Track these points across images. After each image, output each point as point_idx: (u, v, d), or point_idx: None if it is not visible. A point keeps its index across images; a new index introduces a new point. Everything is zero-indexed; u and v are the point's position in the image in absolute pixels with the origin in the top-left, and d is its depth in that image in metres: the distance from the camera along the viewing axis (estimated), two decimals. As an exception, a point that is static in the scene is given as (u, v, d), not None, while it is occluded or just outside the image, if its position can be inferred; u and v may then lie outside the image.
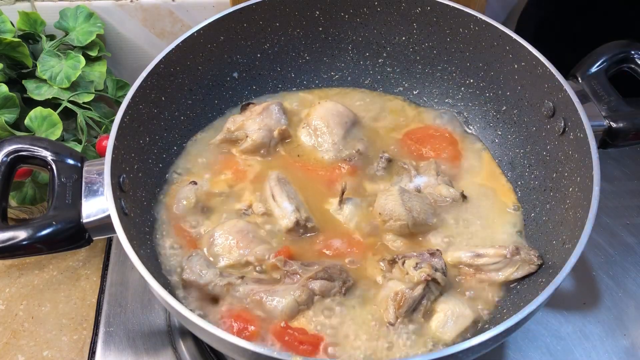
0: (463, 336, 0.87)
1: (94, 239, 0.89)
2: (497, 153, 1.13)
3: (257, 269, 0.94)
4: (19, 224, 0.86)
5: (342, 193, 1.01)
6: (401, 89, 1.23)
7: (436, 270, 0.88)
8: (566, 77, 0.98)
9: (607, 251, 1.19)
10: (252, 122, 1.10)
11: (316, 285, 0.89)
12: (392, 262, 0.93)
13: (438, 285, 0.88)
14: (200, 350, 1.04)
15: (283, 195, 1.01)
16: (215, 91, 1.16)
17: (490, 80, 1.12)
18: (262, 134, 1.09)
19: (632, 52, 1.05)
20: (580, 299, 1.12)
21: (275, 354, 0.70)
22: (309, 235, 0.99)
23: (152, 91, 1.02)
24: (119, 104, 0.96)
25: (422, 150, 1.12)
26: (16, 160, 0.91)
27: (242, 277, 0.92)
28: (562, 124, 0.97)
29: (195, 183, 1.05)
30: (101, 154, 1.16)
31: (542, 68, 0.98)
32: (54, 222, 0.85)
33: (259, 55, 1.18)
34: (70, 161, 0.91)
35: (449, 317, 0.87)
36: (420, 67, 1.19)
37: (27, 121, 1.11)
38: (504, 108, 1.11)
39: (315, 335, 0.87)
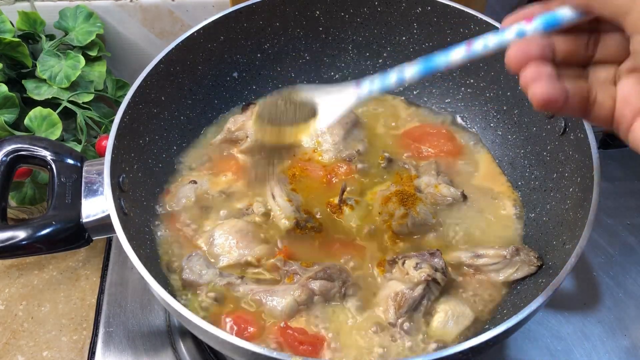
0: (463, 336, 0.87)
1: (93, 239, 0.89)
2: (498, 153, 1.13)
3: (257, 269, 0.94)
4: (19, 223, 0.86)
5: (342, 193, 1.01)
6: (401, 88, 1.23)
7: (436, 270, 0.88)
8: (566, 77, 0.98)
9: (607, 251, 1.18)
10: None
11: (316, 285, 0.89)
12: (392, 262, 0.93)
13: (438, 285, 0.88)
14: (200, 351, 1.04)
15: (283, 195, 1.00)
16: (215, 91, 1.16)
17: (490, 81, 1.12)
18: (262, 134, 1.09)
19: (633, 52, 1.05)
20: (580, 299, 1.12)
21: (275, 354, 0.70)
22: (308, 235, 0.99)
23: (152, 91, 1.02)
24: (118, 104, 0.96)
25: (421, 148, 1.12)
26: (16, 160, 0.90)
27: (242, 277, 0.92)
28: (563, 124, 0.97)
29: (195, 182, 1.05)
30: (101, 154, 1.16)
31: (543, 68, 0.98)
32: (53, 222, 0.85)
33: (259, 55, 1.18)
34: (70, 161, 0.91)
35: (449, 317, 0.87)
36: (420, 67, 1.19)
37: (26, 121, 1.11)
38: (505, 108, 1.11)
39: (315, 335, 0.87)
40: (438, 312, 0.88)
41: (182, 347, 1.05)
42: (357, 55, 1.22)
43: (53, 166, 0.90)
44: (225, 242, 0.96)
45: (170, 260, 0.97)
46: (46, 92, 1.17)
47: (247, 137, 1.10)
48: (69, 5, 1.26)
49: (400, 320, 0.87)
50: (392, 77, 0.71)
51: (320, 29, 1.18)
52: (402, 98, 1.22)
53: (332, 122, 0.79)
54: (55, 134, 1.12)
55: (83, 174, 0.90)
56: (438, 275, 0.88)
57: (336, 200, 1.02)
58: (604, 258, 1.18)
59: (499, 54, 1.07)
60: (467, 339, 0.73)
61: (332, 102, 0.78)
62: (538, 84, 0.57)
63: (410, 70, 0.69)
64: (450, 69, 0.68)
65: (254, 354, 0.71)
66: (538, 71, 0.58)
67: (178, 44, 1.04)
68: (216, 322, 0.88)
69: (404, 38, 1.17)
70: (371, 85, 0.74)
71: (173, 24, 1.33)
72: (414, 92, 1.22)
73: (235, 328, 0.87)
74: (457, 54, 0.65)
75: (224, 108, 1.18)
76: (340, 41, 1.20)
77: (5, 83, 1.12)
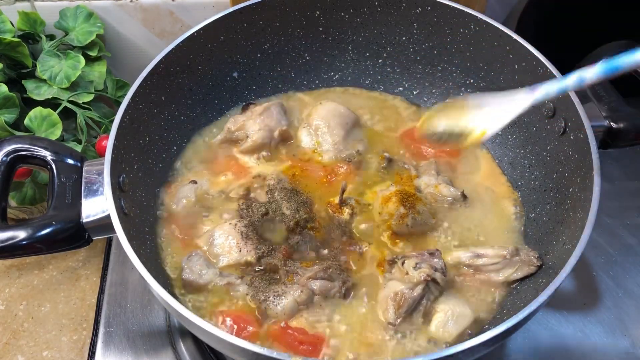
0: (463, 336, 0.87)
1: (93, 239, 0.89)
2: (498, 153, 1.13)
3: (257, 269, 0.94)
4: (19, 223, 0.86)
5: (342, 193, 1.01)
6: (401, 89, 1.23)
7: (436, 270, 0.88)
8: (566, 77, 0.98)
9: (607, 251, 1.18)
10: (253, 122, 1.10)
11: (316, 285, 0.89)
12: (392, 262, 0.93)
13: (437, 285, 0.88)
14: (200, 350, 1.04)
15: (283, 196, 1.00)
16: (215, 91, 1.16)
17: (490, 81, 1.12)
18: (263, 135, 1.09)
19: (633, 53, 1.05)
20: (580, 299, 1.12)
21: (275, 354, 0.70)
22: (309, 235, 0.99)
23: (152, 91, 1.02)
24: (118, 104, 0.96)
25: (421, 148, 1.12)
26: (16, 160, 0.90)
27: (241, 277, 0.92)
28: (563, 124, 0.97)
29: (195, 182, 1.05)
30: (101, 154, 1.16)
31: (543, 68, 0.98)
32: (53, 222, 0.85)
33: (259, 55, 1.18)
34: (70, 161, 0.91)
35: (449, 317, 0.87)
36: (420, 67, 1.19)
37: (26, 121, 1.11)
38: (504, 108, 1.11)
39: (315, 335, 0.87)
40: (438, 312, 0.88)
41: (182, 347, 1.05)
42: (357, 55, 1.22)
43: (53, 166, 0.90)
44: (225, 242, 0.96)
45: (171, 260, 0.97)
46: (46, 92, 1.17)
47: (247, 137, 1.10)
48: (69, 5, 1.26)
49: (399, 320, 0.87)
50: (571, 79, 0.69)
51: (320, 29, 1.18)
52: (402, 98, 1.22)
53: (504, 126, 0.77)
54: (55, 134, 1.12)
55: (83, 174, 0.90)
56: (437, 275, 0.88)
57: (336, 200, 1.02)
58: (604, 258, 1.18)
59: (497, 53, 1.07)
60: (467, 339, 0.73)
61: (504, 106, 0.78)
62: None
63: (592, 72, 0.67)
64: (633, 69, 0.66)
65: (254, 354, 0.71)
66: None
67: (178, 44, 1.04)
68: (216, 322, 0.88)
69: (404, 38, 1.17)
70: (547, 88, 0.73)
71: (173, 24, 1.33)
72: (414, 92, 1.22)
73: (235, 328, 0.87)
74: None
75: (224, 108, 1.18)
76: (340, 41, 1.20)
77: (5, 83, 1.12)
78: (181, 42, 1.04)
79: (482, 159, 1.13)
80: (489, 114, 0.79)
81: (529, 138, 1.07)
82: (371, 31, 1.18)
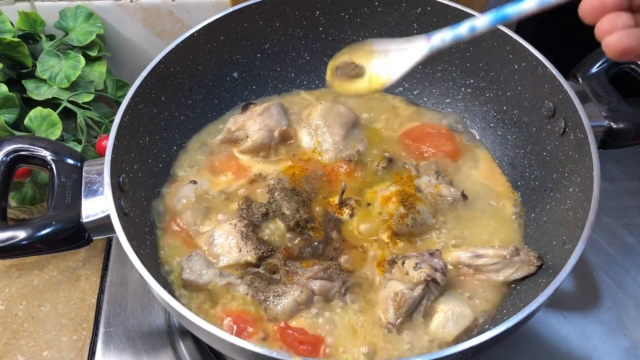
0: (463, 336, 0.87)
1: (93, 239, 0.89)
2: (498, 153, 1.13)
3: (257, 268, 0.94)
4: (19, 223, 0.86)
5: (342, 193, 1.01)
6: (401, 89, 1.22)
7: (436, 270, 0.88)
8: (566, 77, 0.98)
9: (607, 251, 1.18)
10: (253, 122, 1.10)
11: (316, 285, 0.89)
12: (392, 262, 0.93)
13: (438, 285, 0.88)
14: (200, 351, 1.04)
15: (283, 196, 1.00)
16: (215, 91, 1.16)
17: (490, 81, 1.12)
18: (263, 135, 1.09)
19: (633, 53, 1.05)
20: (580, 299, 1.12)
21: (274, 354, 0.70)
22: (308, 235, 0.99)
23: (152, 91, 1.02)
24: (118, 104, 0.96)
25: (421, 147, 1.12)
26: (16, 160, 0.91)
27: (242, 277, 0.92)
28: (563, 125, 0.97)
29: (195, 182, 1.05)
30: (101, 154, 1.16)
31: (543, 68, 0.98)
32: (53, 222, 0.85)
33: (259, 55, 1.18)
34: (70, 161, 0.91)
35: (449, 317, 0.87)
36: (420, 67, 1.17)
37: (26, 121, 1.11)
38: (504, 108, 1.11)
39: (314, 335, 0.87)
40: (438, 312, 0.88)
41: (182, 347, 1.05)
42: (357, 55, 1.21)
43: (53, 166, 0.90)
44: (225, 242, 0.96)
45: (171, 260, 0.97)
46: (46, 92, 1.17)
47: (247, 137, 1.10)
48: (69, 5, 1.26)
49: (399, 320, 0.87)
50: (464, 28, 0.71)
51: (320, 29, 1.18)
52: (402, 98, 1.22)
53: (404, 73, 0.79)
54: (55, 134, 1.12)
55: (83, 174, 0.90)
56: (438, 276, 0.88)
57: (336, 200, 1.02)
58: (604, 258, 1.18)
59: (497, 53, 1.07)
60: (467, 339, 0.73)
61: (404, 54, 0.79)
62: (613, 35, 0.56)
63: (482, 21, 0.69)
64: (521, 18, 0.67)
65: (253, 354, 0.71)
66: (614, 22, 0.56)
67: (178, 44, 1.04)
68: (216, 322, 0.88)
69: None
70: (443, 36, 0.75)
71: (173, 24, 1.33)
72: (414, 92, 1.22)
73: (235, 328, 0.87)
74: (529, 4, 0.65)
75: (224, 108, 1.18)
76: (340, 41, 1.20)
77: (5, 83, 1.12)
78: (181, 42, 1.04)
79: (482, 159, 1.13)
80: (392, 60, 0.81)
81: (529, 138, 1.07)
82: (371, 31, 1.18)
